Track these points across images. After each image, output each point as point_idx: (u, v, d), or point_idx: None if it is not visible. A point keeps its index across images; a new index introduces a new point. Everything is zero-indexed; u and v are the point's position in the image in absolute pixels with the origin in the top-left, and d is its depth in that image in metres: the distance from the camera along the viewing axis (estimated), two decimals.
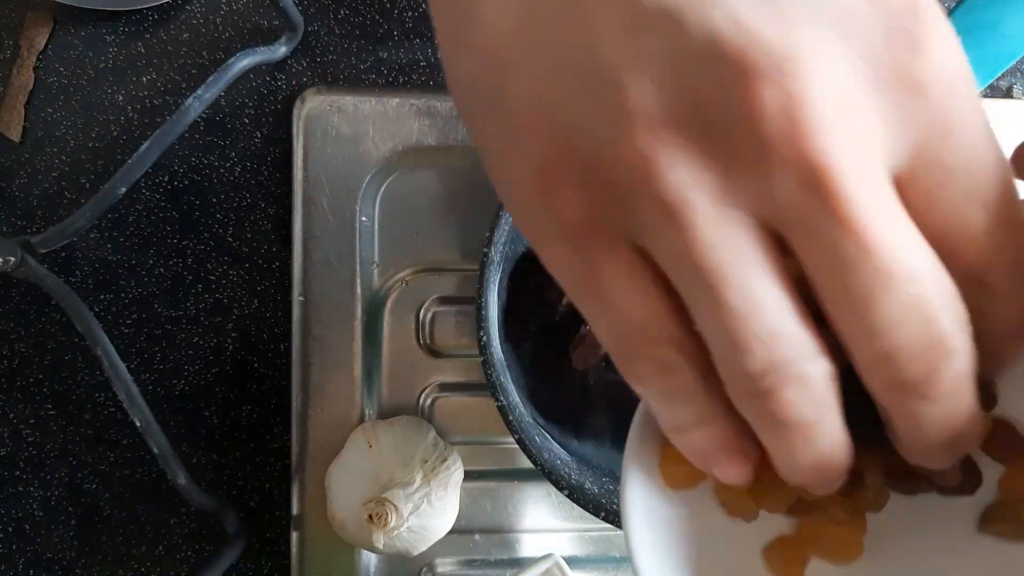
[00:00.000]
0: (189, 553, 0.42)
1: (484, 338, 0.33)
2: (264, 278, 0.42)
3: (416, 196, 0.42)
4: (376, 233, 0.42)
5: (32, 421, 0.41)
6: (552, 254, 0.17)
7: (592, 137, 0.15)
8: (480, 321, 0.33)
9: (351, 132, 0.41)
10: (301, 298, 0.41)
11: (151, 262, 0.42)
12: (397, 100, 0.41)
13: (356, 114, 0.41)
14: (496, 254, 0.33)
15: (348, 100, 0.41)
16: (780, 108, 0.14)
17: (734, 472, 0.17)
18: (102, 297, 0.41)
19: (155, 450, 0.37)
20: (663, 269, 0.16)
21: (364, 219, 0.42)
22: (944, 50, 0.15)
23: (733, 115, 0.14)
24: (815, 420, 0.15)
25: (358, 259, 0.41)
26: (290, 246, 0.41)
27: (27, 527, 0.41)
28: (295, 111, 0.41)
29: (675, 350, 0.16)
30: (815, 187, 0.14)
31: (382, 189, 0.42)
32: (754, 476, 0.18)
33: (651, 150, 0.14)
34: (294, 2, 0.40)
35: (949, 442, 0.16)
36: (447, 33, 0.18)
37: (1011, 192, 0.15)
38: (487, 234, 0.33)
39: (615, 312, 0.16)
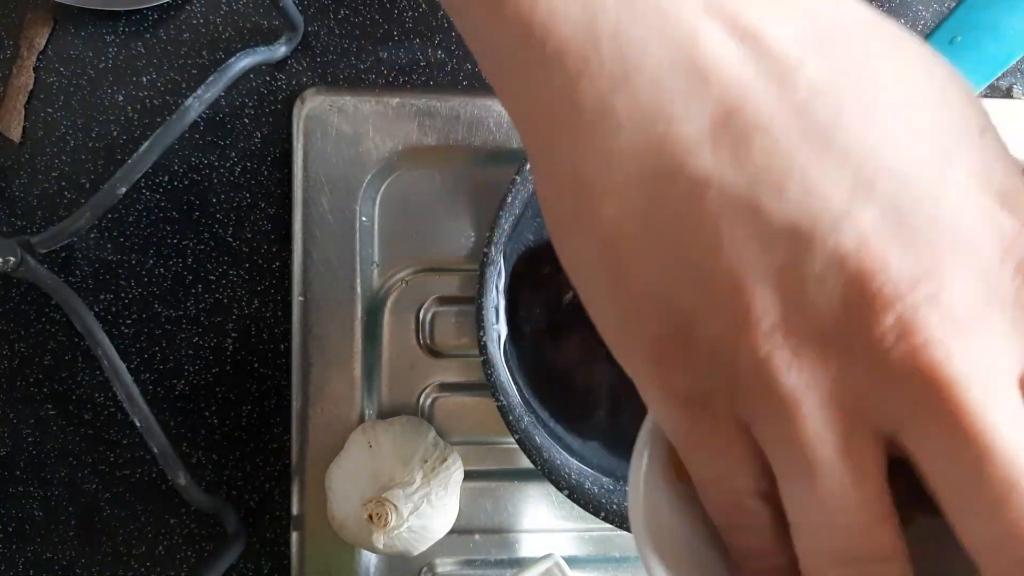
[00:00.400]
0: (189, 553, 0.42)
1: (484, 338, 0.33)
2: (264, 278, 0.42)
3: (416, 196, 0.42)
4: (376, 233, 0.42)
5: (32, 421, 0.41)
6: (662, 415, 0.18)
7: (711, 332, 0.16)
8: (480, 321, 0.33)
9: (351, 132, 0.41)
10: (301, 298, 0.41)
11: (151, 262, 0.42)
12: (397, 100, 0.41)
13: (356, 114, 0.41)
14: (496, 254, 0.33)
15: (348, 100, 0.41)
16: (901, 334, 0.15)
17: None
18: (102, 297, 0.41)
19: (155, 450, 0.37)
20: (762, 447, 0.17)
21: (364, 219, 0.42)
22: None
23: (854, 334, 0.15)
24: None
25: (358, 259, 0.41)
26: (290, 246, 0.41)
27: (27, 527, 0.41)
28: (295, 111, 0.41)
29: (760, 499, 0.17)
30: (935, 404, 0.15)
31: (382, 189, 0.42)
32: None
33: (769, 355, 0.16)
34: (294, 2, 0.40)
35: None
36: (562, 213, 0.18)
37: None
38: (487, 234, 0.33)
39: (713, 468, 0.18)
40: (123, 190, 0.37)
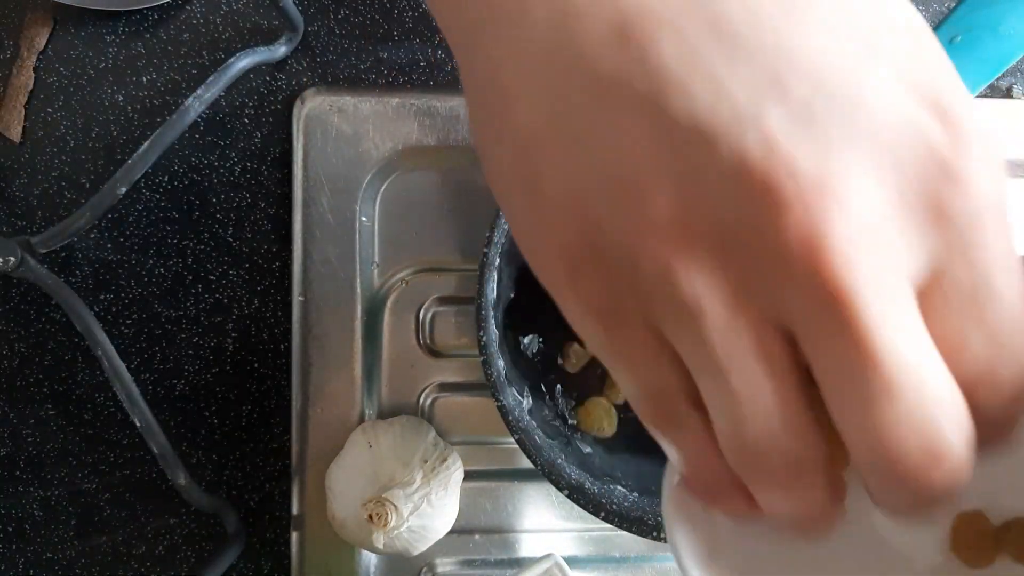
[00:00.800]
0: (189, 553, 0.42)
1: (484, 338, 0.33)
2: (264, 278, 0.42)
3: (416, 196, 0.42)
4: (376, 233, 0.42)
5: (32, 421, 0.41)
6: (582, 329, 0.18)
7: (616, 237, 0.16)
8: (480, 321, 0.33)
9: (351, 132, 0.41)
10: (301, 298, 0.41)
11: (151, 262, 0.42)
12: (397, 100, 0.42)
13: (356, 114, 0.41)
14: (495, 254, 0.33)
15: (348, 100, 0.41)
16: (802, 239, 0.14)
17: (739, 506, 0.19)
18: (102, 297, 0.41)
19: (155, 450, 0.37)
20: (677, 349, 0.17)
21: (364, 219, 0.42)
22: (979, 181, 0.15)
23: (755, 238, 0.15)
24: (800, 491, 0.17)
25: (358, 259, 0.41)
26: (290, 246, 0.41)
27: (27, 527, 0.41)
28: (295, 111, 0.41)
29: (686, 404, 0.17)
30: (830, 307, 0.14)
31: (382, 189, 0.42)
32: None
33: (669, 259, 0.15)
34: (294, 2, 0.40)
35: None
36: (481, 121, 0.19)
37: (1020, 327, 0.16)
38: (487, 234, 0.33)
39: (636, 378, 0.18)
40: (123, 190, 0.37)
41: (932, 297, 0.15)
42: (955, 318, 0.15)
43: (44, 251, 0.36)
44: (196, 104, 0.37)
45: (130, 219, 0.41)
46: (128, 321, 0.41)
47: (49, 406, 0.41)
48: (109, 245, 0.41)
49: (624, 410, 0.40)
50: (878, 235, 0.15)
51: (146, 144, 0.37)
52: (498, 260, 0.34)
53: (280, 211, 0.42)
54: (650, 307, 0.16)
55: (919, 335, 0.15)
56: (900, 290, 0.15)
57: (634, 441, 0.40)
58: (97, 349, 0.36)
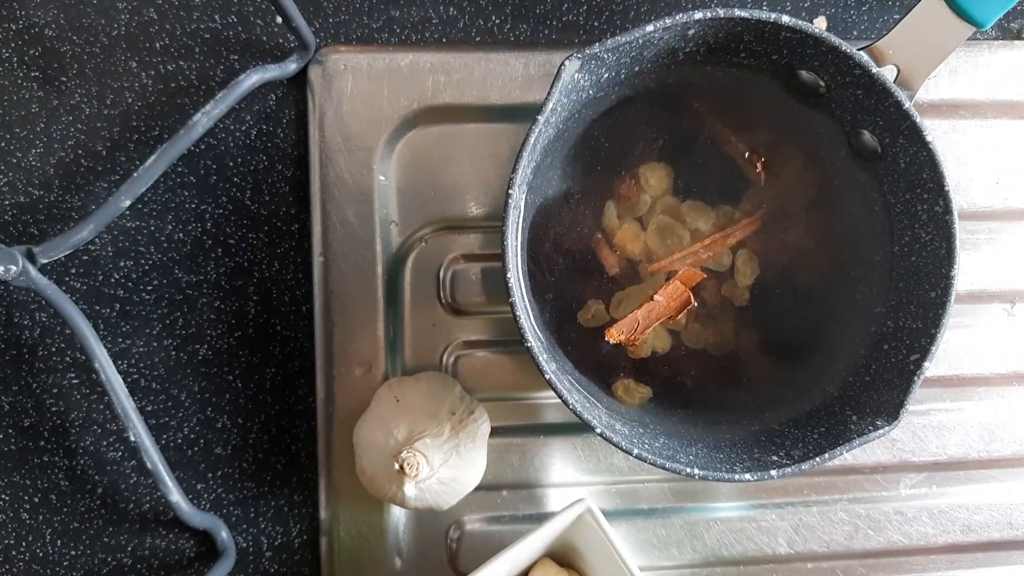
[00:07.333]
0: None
1: (509, 278, 0.33)
2: (283, 240, 0.42)
3: (432, 154, 0.42)
4: (394, 192, 0.42)
5: (55, 391, 0.41)
6: None
7: None
8: (505, 261, 0.33)
9: (366, 91, 0.41)
10: (321, 259, 0.41)
11: (170, 227, 0.41)
12: (411, 58, 0.42)
13: (370, 73, 0.41)
14: (520, 195, 0.33)
15: (362, 59, 0.41)
16: None
17: None
18: (122, 264, 0.41)
19: (148, 466, 0.37)
20: None
21: (382, 178, 0.42)
22: None
23: None
24: None
25: (377, 218, 0.41)
26: (308, 207, 0.41)
27: (53, 497, 0.41)
28: (309, 71, 0.41)
29: None
30: None
31: (399, 147, 0.42)
32: None
33: None
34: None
35: None
36: None
37: None
38: (511, 175, 0.33)
39: None
40: (127, 203, 0.37)
41: None
42: None
43: (45, 261, 0.36)
44: (204, 120, 0.37)
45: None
46: (149, 287, 0.41)
47: (72, 375, 0.41)
48: (128, 212, 0.41)
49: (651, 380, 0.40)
50: None
51: (152, 158, 0.37)
52: (521, 202, 0.34)
53: (297, 173, 0.42)
54: None
55: None
56: None
57: (663, 399, 0.40)
58: (95, 362, 0.36)
